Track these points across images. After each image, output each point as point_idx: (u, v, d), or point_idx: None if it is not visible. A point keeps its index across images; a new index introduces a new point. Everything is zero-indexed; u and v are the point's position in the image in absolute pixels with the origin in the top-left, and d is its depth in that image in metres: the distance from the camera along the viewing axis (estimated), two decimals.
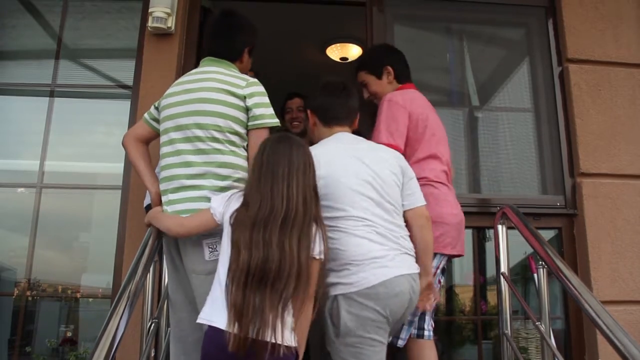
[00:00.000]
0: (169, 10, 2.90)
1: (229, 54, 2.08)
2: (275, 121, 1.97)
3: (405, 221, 1.96)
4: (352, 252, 1.78)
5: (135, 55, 3.05)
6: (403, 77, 2.44)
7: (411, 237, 1.94)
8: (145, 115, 2.12)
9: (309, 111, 2.14)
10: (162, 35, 2.98)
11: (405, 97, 2.27)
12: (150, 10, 2.90)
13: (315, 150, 1.82)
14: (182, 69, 2.99)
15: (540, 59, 3.29)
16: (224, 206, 1.70)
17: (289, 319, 1.56)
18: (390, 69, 2.41)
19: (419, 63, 3.35)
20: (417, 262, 1.91)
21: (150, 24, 2.91)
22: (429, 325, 2.11)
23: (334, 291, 1.77)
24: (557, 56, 3.21)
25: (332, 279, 1.78)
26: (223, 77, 1.97)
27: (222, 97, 1.92)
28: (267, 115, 1.95)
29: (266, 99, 1.98)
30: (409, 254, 1.88)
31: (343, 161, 1.91)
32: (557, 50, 3.22)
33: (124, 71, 3.19)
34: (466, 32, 3.46)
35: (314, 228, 1.63)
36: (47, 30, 3.36)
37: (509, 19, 3.45)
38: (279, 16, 3.76)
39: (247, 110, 1.94)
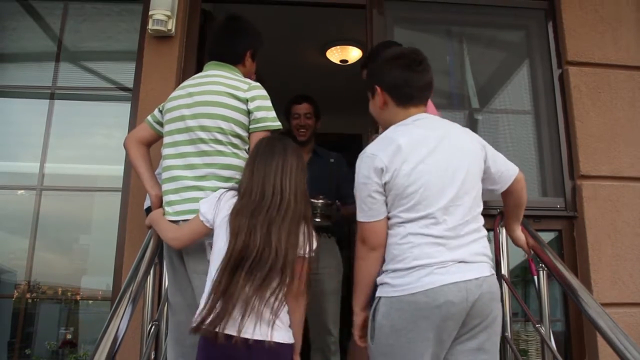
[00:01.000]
0: (169, 13, 2.90)
1: (231, 57, 2.10)
2: (277, 124, 1.99)
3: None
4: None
5: (136, 57, 3.05)
6: None
7: (512, 199, 1.94)
8: (149, 117, 2.14)
9: (378, 89, 1.77)
10: (163, 37, 2.98)
11: None
12: (150, 12, 2.90)
13: (400, 139, 1.65)
14: (183, 72, 3.00)
15: (540, 61, 3.29)
16: (213, 209, 1.72)
17: (285, 317, 1.59)
18: None
19: None
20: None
21: (150, 26, 2.91)
22: None
23: None
24: (557, 58, 3.22)
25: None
26: (226, 81, 2.00)
27: (225, 100, 1.95)
28: (268, 118, 1.97)
29: (268, 102, 1.99)
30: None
31: (428, 152, 1.66)
32: (556, 52, 3.22)
33: (124, 74, 3.19)
34: (466, 35, 3.46)
35: (302, 226, 1.66)
36: (47, 32, 3.37)
37: (508, 21, 3.46)
38: (279, 18, 3.77)
39: (248, 113, 1.96)
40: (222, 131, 1.92)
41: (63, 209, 3.19)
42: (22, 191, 3.17)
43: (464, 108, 3.36)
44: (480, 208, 1.71)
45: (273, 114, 1.99)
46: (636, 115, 3.09)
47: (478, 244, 1.65)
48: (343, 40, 4.58)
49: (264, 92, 2.01)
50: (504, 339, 2.22)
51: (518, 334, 2.86)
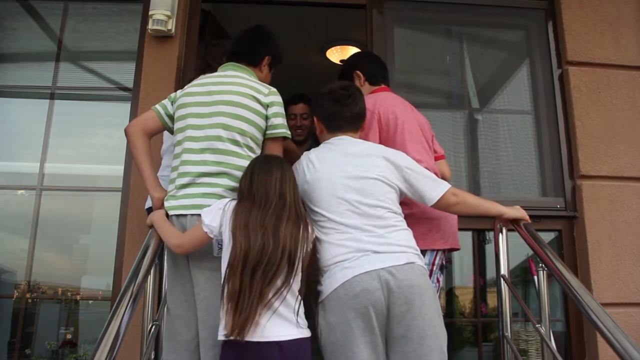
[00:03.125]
0: (169, 13, 2.91)
1: (250, 58, 2.11)
2: (287, 133, 2.03)
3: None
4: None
5: (136, 57, 3.05)
6: (375, 80, 2.46)
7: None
8: (159, 108, 2.05)
9: (315, 118, 2.12)
10: (163, 37, 2.98)
11: (371, 100, 2.27)
12: (150, 12, 2.90)
13: (309, 155, 1.89)
14: (182, 72, 3.00)
15: (540, 61, 3.30)
16: (219, 220, 1.74)
17: (302, 311, 1.68)
18: (359, 73, 2.46)
19: (419, 65, 3.36)
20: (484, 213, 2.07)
21: (150, 26, 2.91)
22: None
23: None
24: (557, 58, 3.22)
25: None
26: (248, 82, 2.00)
27: (248, 102, 1.95)
28: (283, 125, 2.01)
29: (283, 109, 2.03)
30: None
31: (329, 164, 1.92)
32: (556, 52, 3.23)
33: (124, 73, 3.19)
34: (466, 35, 3.47)
35: (309, 228, 1.76)
36: (47, 32, 3.37)
37: (508, 21, 3.46)
38: (279, 18, 3.76)
39: (266, 118, 1.99)
40: (242, 132, 1.92)
41: (63, 209, 3.19)
42: (22, 191, 3.17)
43: (463, 108, 3.36)
44: (388, 208, 1.86)
45: (285, 121, 2.04)
46: (636, 115, 3.10)
47: (393, 236, 1.81)
48: (343, 40, 4.59)
49: (280, 99, 2.03)
50: (503, 339, 2.22)
51: (518, 333, 2.87)
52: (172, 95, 2.08)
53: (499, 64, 3.50)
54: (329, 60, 4.80)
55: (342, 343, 1.70)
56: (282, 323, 1.62)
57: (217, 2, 3.56)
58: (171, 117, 2.04)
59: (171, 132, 2.06)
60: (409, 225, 1.93)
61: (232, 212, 1.71)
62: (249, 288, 1.58)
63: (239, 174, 1.87)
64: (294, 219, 1.71)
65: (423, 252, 2.02)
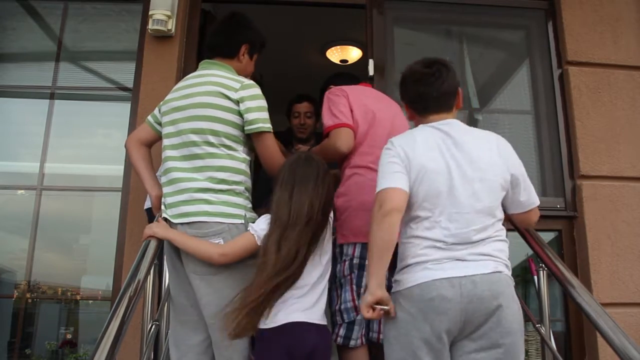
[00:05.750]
0: (169, 13, 2.90)
1: (225, 50, 2.06)
2: (268, 126, 1.94)
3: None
4: None
5: (136, 57, 3.05)
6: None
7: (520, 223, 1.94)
8: (149, 118, 2.12)
9: (405, 105, 1.91)
10: (163, 37, 2.98)
11: (345, 87, 2.23)
12: (150, 12, 2.90)
13: (398, 140, 1.73)
14: (183, 72, 3.00)
15: (540, 61, 3.29)
16: (264, 229, 1.81)
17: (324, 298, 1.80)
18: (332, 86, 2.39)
19: None
20: None
21: (150, 26, 2.91)
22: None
23: None
24: (557, 58, 3.22)
25: None
26: (218, 80, 1.95)
27: (217, 100, 1.91)
28: (259, 120, 1.92)
29: (258, 102, 1.94)
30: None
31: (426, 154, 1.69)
32: (556, 52, 3.23)
33: (124, 73, 3.19)
34: (466, 35, 3.47)
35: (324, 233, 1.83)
36: (47, 32, 3.37)
37: (508, 21, 3.46)
38: (279, 18, 3.76)
39: (240, 114, 1.92)
40: (215, 133, 1.89)
41: (63, 208, 3.19)
42: (22, 191, 3.17)
43: (463, 108, 3.36)
44: (495, 218, 1.68)
45: (265, 114, 1.94)
46: (636, 115, 3.10)
47: (483, 247, 1.63)
48: (343, 40, 4.58)
49: (254, 91, 1.94)
50: None
51: None
52: (161, 102, 2.10)
53: (499, 64, 3.50)
54: (329, 60, 4.80)
55: (402, 341, 1.61)
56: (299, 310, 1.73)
57: (217, 2, 3.56)
58: (160, 124, 2.07)
59: None
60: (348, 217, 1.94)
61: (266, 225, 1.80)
62: (271, 293, 1.69)
63: (220, 174, 1.88)
64: (315, 231, 1.78)
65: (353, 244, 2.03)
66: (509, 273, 1.65)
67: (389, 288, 1.67)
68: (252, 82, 1.98)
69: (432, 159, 1.67)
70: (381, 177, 1.68)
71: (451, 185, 1.64)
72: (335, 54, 4.75)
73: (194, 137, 1.90)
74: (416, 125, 1.86)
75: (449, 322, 1.54)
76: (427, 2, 3.35)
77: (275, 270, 1.69)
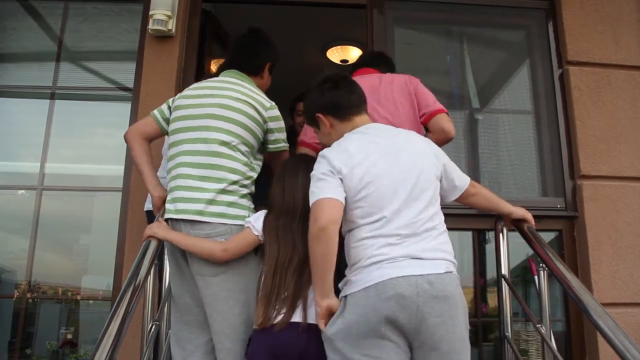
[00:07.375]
0: (169, 13, 2.91)
1: (251, 68, 2.11)
2: (287, 145, 2.11)
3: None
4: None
5: (136, 57, 3.05)
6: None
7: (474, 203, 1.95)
8: (156, 113, 2.08)
9: (319, 115, 1.84)
10: (163, 37, 2.98)
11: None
12: (150, 12, 2.90)
13: (331, 153, 1.71)
14: (183, 72, 3.00)
15: (540, 61, 3.29)
16: (262, 224, 1.84)
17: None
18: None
19: (419, 65, 3.36)
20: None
21: (150, 26, 2.91)
22: None
23: None
24: (557, 58, 3.22)
25: None
26: (249, 92, 2.01)
27: (247, 109, 1.96)
28: (283, 139, 2.09)
29: (281, 124, 2.08)
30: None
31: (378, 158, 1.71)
32: (557, 52, 3.23)
33: (124, 73, 3.19)
34: (466, 35, 3.47)
35: None
36: (48, 32, 3.37)
37: (509, 21, 3.46)
38: (279, 18, 3.76)
39: (265, 130, 2.03)
40: (238, 137, 1.92)
41: (63, 208, 3.19)
42: (23, 191, 3.17)
43: (464, 108, 3.36)
44: (436, 207, 1.72)
45: (285, 134, 2.10)
46: (636, 115, 3.09)
47: (434, 240, 1.65)
48: (343, 40, 4.59)
49: (278, 113, 2.07)
50: (504, 339, 2.22)
51: (518, 333, 2.87)
52: (170, 99, 2.10)
53: (499, 63, 3.50)
54: (329, 60, 4.80)
55: (355, 343, 1.60)
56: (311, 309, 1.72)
57: (217, 2, 3.56)
58: (168, 122, 2.05)
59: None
60: None
61: (263, 219, 1.84)
62: (283, 287, 1.73)
63: (233, 176, 1.89)
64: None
65: None
66: (456, 272, 1.68)
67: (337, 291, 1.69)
68: (274, 103, 2.08)
69: (372, 164, 1.68)
70: (314, 187, 1.67)
71: (394, 184, 1.66)
72: (335, 54, 4.76)
73: (216, 135, 1.91)
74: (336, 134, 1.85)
75: (404, 318, 1.54)
76: (427, 2, 3.35)
77: (279, 256, 1.77)
